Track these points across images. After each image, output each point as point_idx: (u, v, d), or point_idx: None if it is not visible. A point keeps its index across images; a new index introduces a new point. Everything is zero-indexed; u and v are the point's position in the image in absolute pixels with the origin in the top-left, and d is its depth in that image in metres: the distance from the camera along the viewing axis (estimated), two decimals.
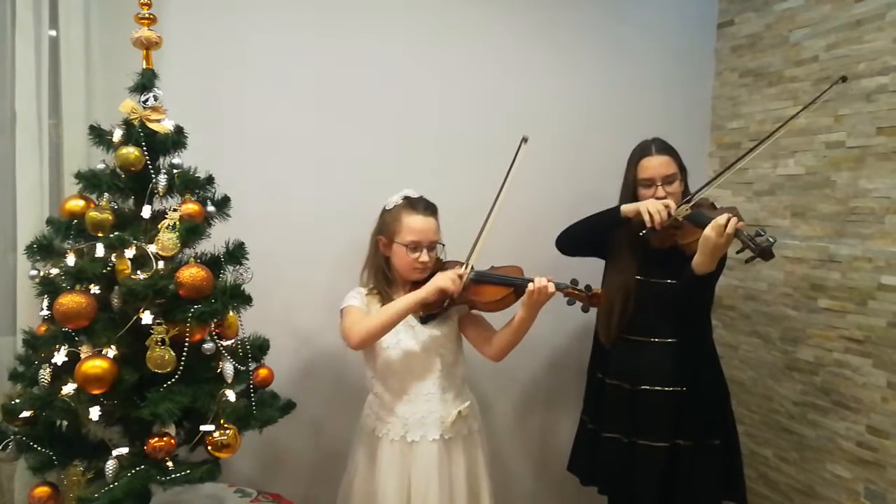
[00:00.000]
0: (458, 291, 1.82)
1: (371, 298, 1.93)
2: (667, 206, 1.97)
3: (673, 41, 2.73)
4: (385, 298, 1.92)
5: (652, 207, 1.97)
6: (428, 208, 1.93)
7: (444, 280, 1.80)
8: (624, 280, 2.08)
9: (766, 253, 1.76)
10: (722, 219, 1.79)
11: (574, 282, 1.85)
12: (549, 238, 2.24)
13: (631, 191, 2.13)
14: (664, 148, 2.09)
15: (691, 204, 1.97)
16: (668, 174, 2.05)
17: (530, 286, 1.79)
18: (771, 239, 1.77)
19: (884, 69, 2.12)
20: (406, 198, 1.94)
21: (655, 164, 2.06)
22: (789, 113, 2.44)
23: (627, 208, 2.05)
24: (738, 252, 1.85)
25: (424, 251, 1.89)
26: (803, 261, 2.41)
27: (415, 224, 1.88)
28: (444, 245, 1.98)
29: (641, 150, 2.11)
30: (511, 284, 1.87)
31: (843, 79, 1.98)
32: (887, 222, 2.13)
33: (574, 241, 2.16)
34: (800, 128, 2.41)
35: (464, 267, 1.86)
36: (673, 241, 2.00)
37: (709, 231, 1.81)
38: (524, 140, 1.88)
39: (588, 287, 1.84)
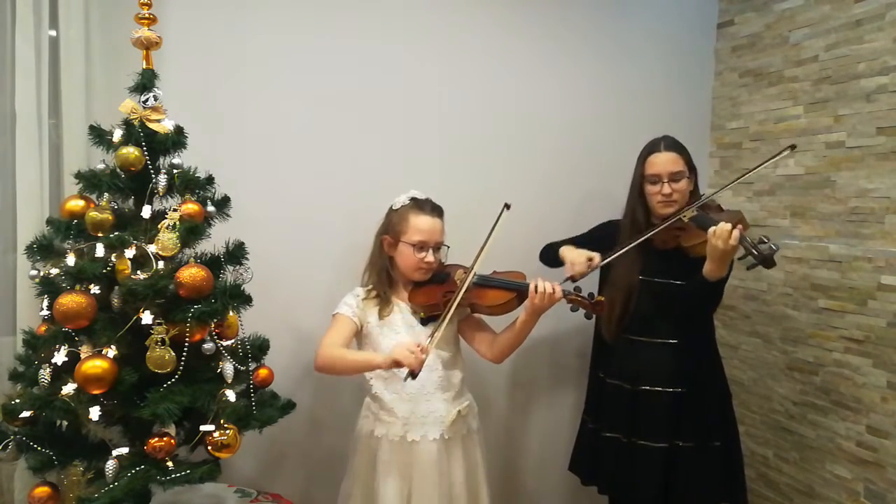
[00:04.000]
0: (415, 367, 1.66)
1: (368, 301, 1.94)
2: (590, 259, 2.01)
3: (673, 41, 2.73)
4: (384, 300, 1.93)
5: (576, 260, 2.02)
6: (435, 209, 1.94)
7: (401, 353, 1.69)
8: (627, 279, 2.08)
9: (767, 261, 1.76)
10: (726, 227, 1.79)
11: (577, 289, 1.87)
12: (551, 239, 2.25)
13: (637, 187, 2.13)
14: (673, 146, 2.09)
15: (698, 205, 1.98)
16: (675, 171, 2.04)
17: (535, 289, 1.79)
18: (774, 247, 1.76)
19: (884, 69, 2.12)
20: (413, 198, 1.95)
21: (662, 161, 2.06)
22: (789, 113, 2.46)
23: (562, 253, 2.11)
24: (739, 259, 1.84)
25: (430, 251, 1.90)
26: (803, 261, 2.41)
27: (422, 224, 1.89)
28: (448, 247, 1.98)
29: (650, 147, 2.11)
30: (514, 289, 1.87)
31: (792, 146, 1.99)
32: (887, 222, 2.13)
33: (546, 263, 2.25)
34: (800, 128, 2.41)
35: (444, 315, 1.78)
36: (676, 242, 2.00)
37: (714, 240, 1.81)
38: (507, 207, 1.78)
39: (591, 295, 1.85)
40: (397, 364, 1.70)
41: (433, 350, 1.88)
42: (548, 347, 2.66)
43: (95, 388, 1.45)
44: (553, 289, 1.80)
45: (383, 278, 1.95)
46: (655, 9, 2.71)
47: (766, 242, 1.77)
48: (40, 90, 1.86)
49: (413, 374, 1.67)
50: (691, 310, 2.06)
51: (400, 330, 1.90)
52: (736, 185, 2.67)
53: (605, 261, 1.99)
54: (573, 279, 1.98)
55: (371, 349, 1.91)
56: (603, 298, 1.85)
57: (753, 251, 1.77)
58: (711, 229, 1.82)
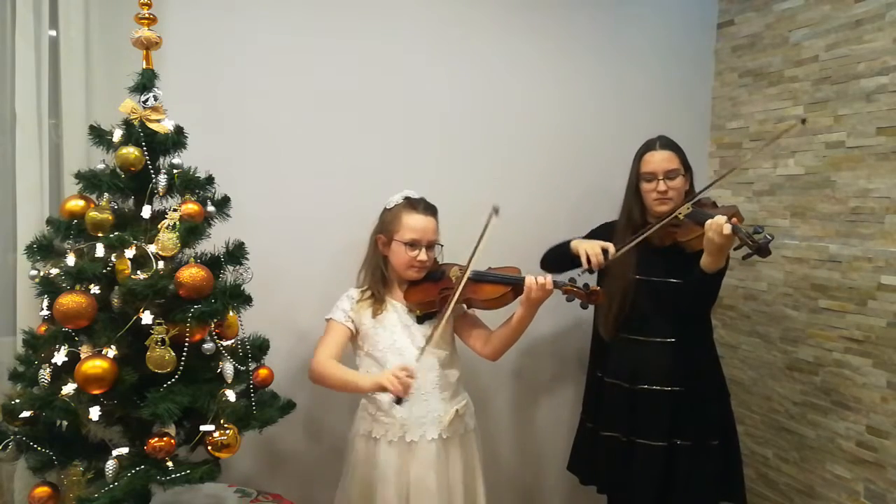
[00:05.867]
0: (401, 393, 1.67)
1: (363, 303, 1.94)
2: (605, 250, 1.99)
3: (673, 41, 2.73)
4: (378, 300, 1.93)
5: (590, 250, 2.00)
6: (428, 208, 1.95)
7: (387, 378, 1.69)
8: (624, 277, 2.08)
9: (762, 250, 1.77)
10: (720, 219, 1.82)
11: (573, 280, 1.87)
12: (549, 238, 2.24)
13: (634, 185, 2.15)
14: (668, 144, 2.12)
15: (693, 202, 1.99)
16: (670, 169, 2.07)
17: (529, 282, 1.80)
18: (769, 236, 1.78)
19: (884, 69, 2.12)
20: (407, 198, 1.95)
21: (657, 159, 2.08)
22: (789, 113, 2.46)
23: (574, 245, 2.09)
24: (735, 248, 1.86)
25: (423, 250, 1.91)
26: (803, 261, 2.41)
27: (414, 223, 1.90)
28: (442, 246, 1.98)
29: (646, 146, 2.14)
30: (509, 283, 1.88)
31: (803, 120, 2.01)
32: (887, 222, 2.13)
33: (549, 267, 2.22)
34: (800, 128, 2.41)
35: (441, 316, 1.81)
36: (673, 238, 2.02)
37: (710, 233, 1.84)
38: (495, 211, 1.74)
39: (586, 285, 1.85)
40: (382, 389, 1.71)
41: (431, 349, 1.89)
42: (547, 346, 2.66)
43: (95, 388, 1.45)
44: (547, 280, 1.80)
45: (378, 277, 1.96)
46: (655, 9, 2.71)
47: (760, 232, 1.80)
48: (40, 90, 1.86)
49: (399, 400, 1.68)
50: (690, 306, 2.07)
51: (395, 329, 1.90)
52: (736, 185, 2.69)
53: (620, 252, 1.99)
54: (590, 270, 2.00)
55: (370, 349, 1.91)
56: (599, 288, 1.85)
57: (749, 241, 1.79)
58: (707, 222, 1.85)
